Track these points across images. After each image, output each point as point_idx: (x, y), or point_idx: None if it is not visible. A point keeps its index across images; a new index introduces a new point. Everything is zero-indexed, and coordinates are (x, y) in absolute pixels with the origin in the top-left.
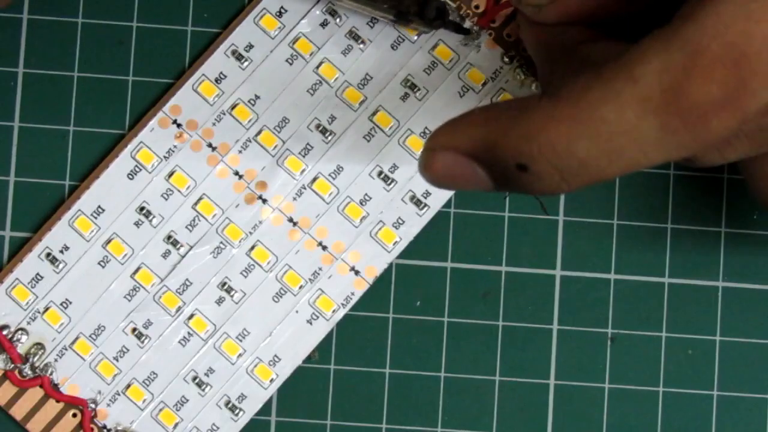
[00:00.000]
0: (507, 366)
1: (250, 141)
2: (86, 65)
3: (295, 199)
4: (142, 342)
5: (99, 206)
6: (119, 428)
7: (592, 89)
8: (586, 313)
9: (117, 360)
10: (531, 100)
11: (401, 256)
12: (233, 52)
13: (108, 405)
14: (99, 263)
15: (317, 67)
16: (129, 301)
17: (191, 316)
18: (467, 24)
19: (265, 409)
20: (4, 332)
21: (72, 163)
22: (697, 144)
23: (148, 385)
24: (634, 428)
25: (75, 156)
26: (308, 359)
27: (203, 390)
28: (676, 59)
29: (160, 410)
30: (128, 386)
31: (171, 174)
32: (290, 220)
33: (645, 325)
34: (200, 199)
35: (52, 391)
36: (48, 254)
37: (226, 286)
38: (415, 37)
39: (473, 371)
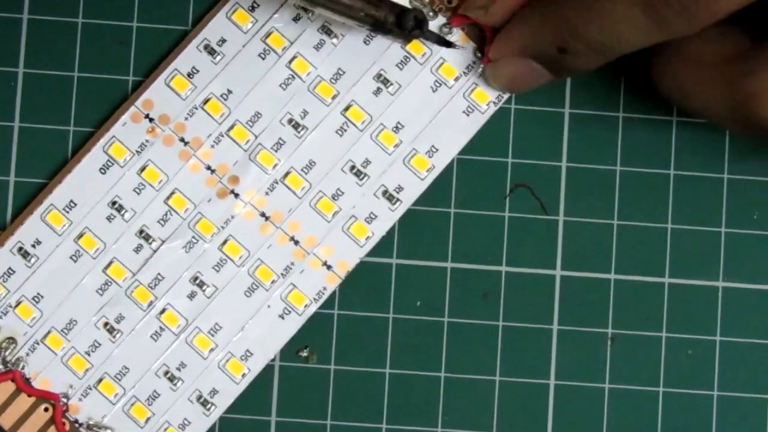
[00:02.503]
0: (507, 366)
1: (222, 135)
2: (86, 65)
3: (267, 193)
4: (114, 336)
5: (71, 201)
6: (91, 422)
7: None
8: (586, 313)
9: (89, 354)
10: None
11: (401, 256)
12: (206, 47)
13: (80, 399)
14: (71, 257)
15: (290, 62)
16: (101, 295)
17: (163, 311)
18: (437, 19)
19: (265, 409)
20: None
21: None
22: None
23: (119, 380)
24: (634, 428)
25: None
26: (305, 360)
27: (175, 384)
28: None
29: (132, 405)
30: (100, 380)
31: (143, 168)
32: (262, 214)
33: (645, 325)
34: (172, 193)
35: (24, 385)
36: (20, 248)
37: (198, 281)
38: None
39: (473, 371)
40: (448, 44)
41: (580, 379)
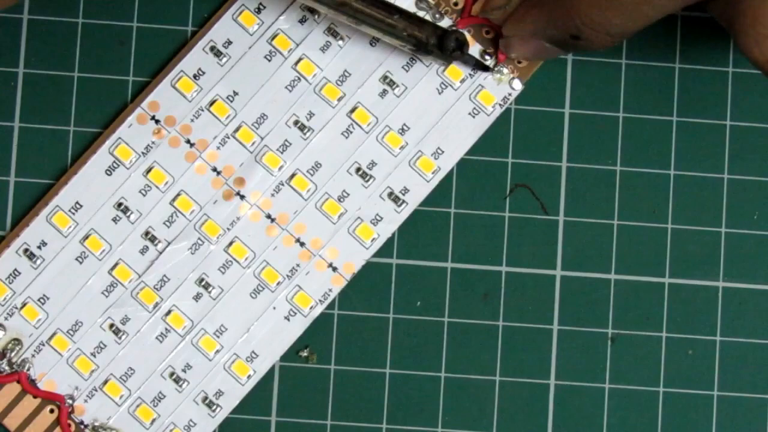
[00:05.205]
0: (507, 366)
1: (228, 137)
2: (86, 65)
3: (273, 195)
4: (120, 338)
5: (77, 202)
6: (96, 424)
7: None
8: (586, 313)
9: (94, 356)
10: None
11: (401, 256)
12: (212, 49)
13: (85, 401)
14: (77, 259)
15: (296, 64)
16: (106, 296)
17: (169, 312)
18: (443, 21)
19: (265, 409)
20: None
21: (72, 163)
22: None
23: (125, 381)
24: (634, 428)
25: (75, 156)
26: (305, 360)
27: (180, 386)
28: None
29: (138, 406)
30: (105, 382)
31: (149, 170)
32: (268, 216)
33: (645, 325)
34: (178, 195)
35: (30, 386)
36: (26, 250)
37: (203, 282)
38: None
39: (473, 371)
40: (486, 68)
41: (580, 379)
